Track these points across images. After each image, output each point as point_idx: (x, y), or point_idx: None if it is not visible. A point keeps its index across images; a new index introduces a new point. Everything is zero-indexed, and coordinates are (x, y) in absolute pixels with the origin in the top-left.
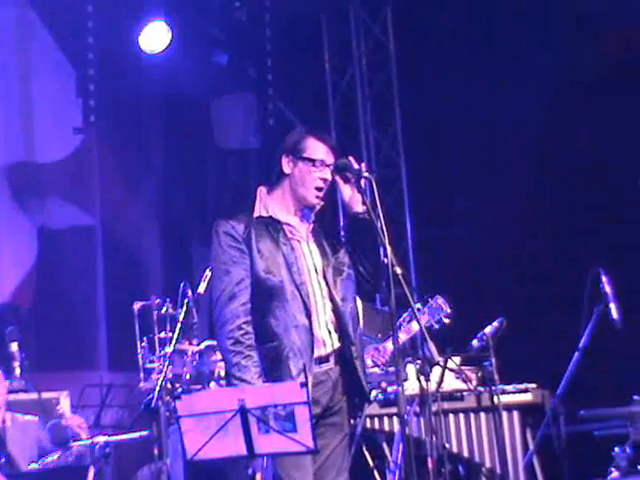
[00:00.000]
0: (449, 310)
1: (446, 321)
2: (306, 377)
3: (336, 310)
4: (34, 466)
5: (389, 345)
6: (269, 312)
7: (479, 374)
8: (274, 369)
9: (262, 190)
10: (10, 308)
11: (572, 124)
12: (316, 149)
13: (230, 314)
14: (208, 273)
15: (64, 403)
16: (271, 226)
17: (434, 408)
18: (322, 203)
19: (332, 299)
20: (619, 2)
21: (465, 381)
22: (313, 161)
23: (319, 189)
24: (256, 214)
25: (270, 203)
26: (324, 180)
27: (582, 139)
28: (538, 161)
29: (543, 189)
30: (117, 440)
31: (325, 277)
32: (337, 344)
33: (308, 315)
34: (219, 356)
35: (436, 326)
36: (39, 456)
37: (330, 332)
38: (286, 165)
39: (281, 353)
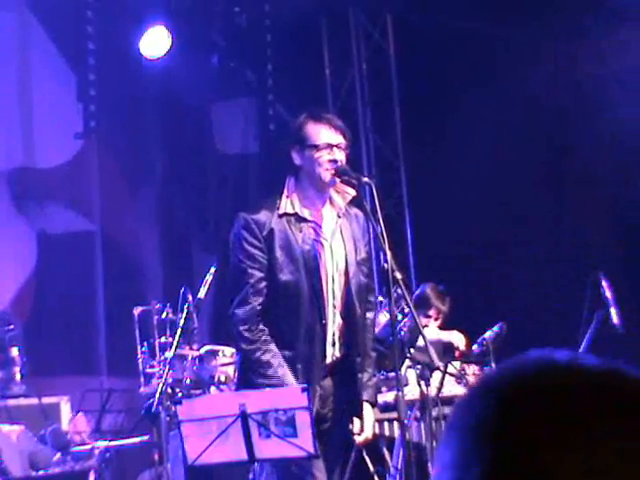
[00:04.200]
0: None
1: (407, 310)
2: (308, 384)
3: (352, 317)
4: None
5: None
6: (284, 316)
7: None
8: None
9: (290, 182)
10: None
11: (570, 127)
12: (317, 133)
13: (243, 315)
14: (208, 278)
15: (64, 408)
16: (295, 225)
17: (434, 413)
18: (338, 180)
19: (351, 304)
20: None
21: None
22: (317, 146)
23: (332, 168)
24: (281, 210)
25: (296, 198)
26: (333, 161)
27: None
28: (538, 165)
29: (543, 193)
30: (117, 445)
31: (348, 279)
32: (337, 355)
33: (322, 322)
34: (219, 361)
35: (400, 316)
36: (37, 463)
37: (334, 343)
38: (296, 157)
39: (290, 364)
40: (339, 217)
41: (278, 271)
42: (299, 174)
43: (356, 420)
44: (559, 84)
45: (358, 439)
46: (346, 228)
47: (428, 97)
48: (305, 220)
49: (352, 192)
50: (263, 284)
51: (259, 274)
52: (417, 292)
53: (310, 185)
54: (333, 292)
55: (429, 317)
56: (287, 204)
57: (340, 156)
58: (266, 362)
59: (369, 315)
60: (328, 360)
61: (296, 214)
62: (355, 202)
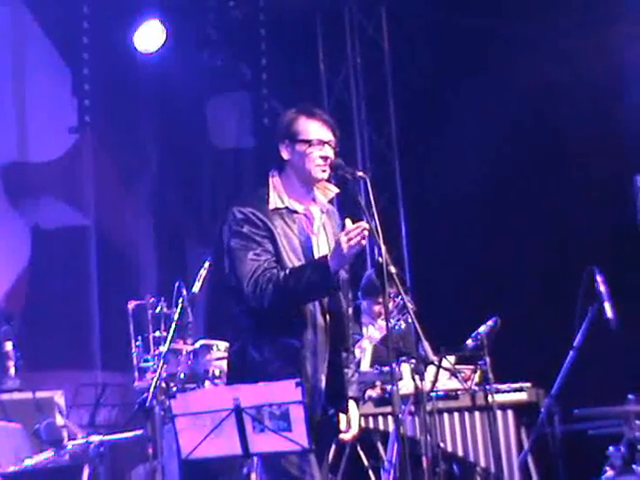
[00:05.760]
0: (414, 308)
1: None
2: (303, 387)
3: (338, 312)
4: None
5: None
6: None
7: (477, 373)
8: (289, 368)
9: (274, 177)
10: (2, 315)
11: (567, 124)
12: (309, 129)
13: (250, 287)
14: (203, 272)
15: (59, 402)
16: (288, 217)
17: (429, 407)
18: (326, 176)
19: (337, 300)
20: None
21: (465, 380)
22: (309, 142)
23: (322, 164)
24: (272, 206)
25: (284, 192)
26: (324, 158)
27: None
28: (533, 159)
29: (540, 188)
30: (112, 439)
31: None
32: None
33: (324, 312)
34: (214, 355)
35: (403, 325)
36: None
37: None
38: (284, 151)
39: (298, 353)
40: (322, 213)
41: (283, 263)
42: (285, 169)
43: (342, 416)
44: (555, 78)
45: (345, 436)
46: (328, 224)
47: (422, 91)
48: (297, 212)
49: (334, 189)
50: (274, 264)
51: (271, 257)
52: (364, 280)
53: (298, 180)
54: None
55: (379, 304)
56: (276, 199)
57: (330, 153)
58: (285, 276)
59: (349, 310)
60: None
61: (287, 208)
62: (350, 197)
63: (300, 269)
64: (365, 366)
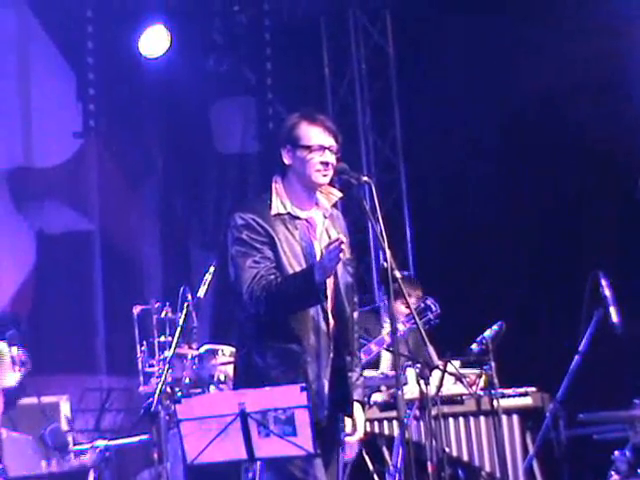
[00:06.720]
0: (438, 310)
1: (436, 322)
2: (308, 391)
3: (342, 316)
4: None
5: (373, 346)
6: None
7: (482, 377)
8: (291, 373)
9: (277, 183)
10: (9, 317)
11: (571, 125)
12: (310, 134)
13: (247, 292)
14: (208, 277)
15: (64, 407)
16: (290, 223)
17: (434, 412)
18: (327, 181)
19: (341, 304)
20: None
21: (470, 385)
22: (309, 147)
23: (323, 170)
24: (274, 211)
25: (286, 198)
26: (325, 163)
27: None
28: (537, 163)
29: (543, 191)
30: (117, 444)
31: (337, 279)
32: (331, 355)
33: (326, 318)
34: (219, 360)
35: (426, 327)
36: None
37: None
38: (286, 156)
39: (299, 358)
40: (325, 218)
41: (284, 269)
42: (288, 174)
43: (348, 420)
44: (561, 80)
45: (351, 439)
46: (332, 229)
47: (427, 95)
48: (299, 218)
49: (337, 194)
50: (273, 271)
51: (270, 263)
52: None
53: (299, 185)
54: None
55: (403, 303)
56: (278, 204)
57: (331, 158)
58: (277, 284)
59: (354, 315)
60: None
61: (289, 213)
62: (354, 201)
63: (290, 277)
64: (385, 369)
